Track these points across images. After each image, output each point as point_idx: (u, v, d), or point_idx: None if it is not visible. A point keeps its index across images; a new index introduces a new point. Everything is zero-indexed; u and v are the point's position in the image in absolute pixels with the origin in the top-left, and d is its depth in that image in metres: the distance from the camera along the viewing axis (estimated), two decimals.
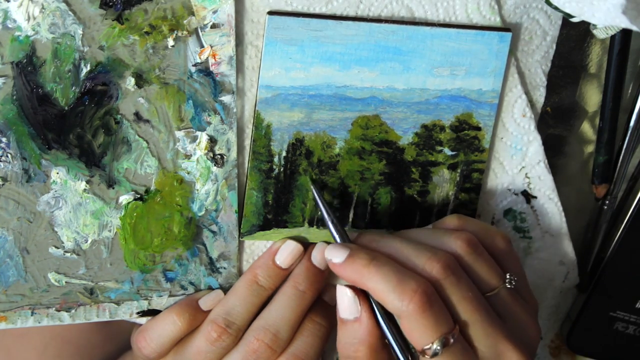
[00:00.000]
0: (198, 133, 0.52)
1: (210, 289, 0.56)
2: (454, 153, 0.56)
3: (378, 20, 0.52)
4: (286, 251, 0.54)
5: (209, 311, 0.54)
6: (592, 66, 0.59)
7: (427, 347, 0.45)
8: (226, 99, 0.52)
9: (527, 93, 0.57)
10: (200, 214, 0.54)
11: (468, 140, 0.56)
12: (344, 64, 0.52)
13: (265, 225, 0.55)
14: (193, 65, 0.51)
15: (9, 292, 0.52)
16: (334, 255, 0.48)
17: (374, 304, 0.49)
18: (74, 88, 0.49)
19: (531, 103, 0.57)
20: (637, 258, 0.60)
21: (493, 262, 0.50)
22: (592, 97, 0.60)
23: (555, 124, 0.60)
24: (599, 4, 0.49)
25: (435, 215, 0.58)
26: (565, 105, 0.59)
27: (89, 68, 0.49)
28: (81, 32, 0.48)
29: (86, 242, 0.52)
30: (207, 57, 0.51)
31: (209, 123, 0.52)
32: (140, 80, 0.50)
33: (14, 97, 0.48)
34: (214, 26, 0.50)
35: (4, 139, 0.49)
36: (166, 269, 0.55)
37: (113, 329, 0.57)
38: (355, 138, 0.55)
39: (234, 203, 0.54)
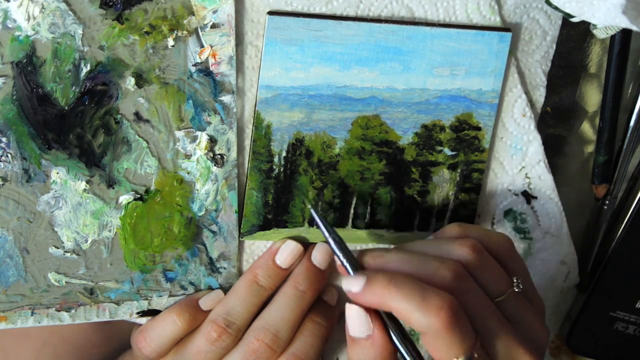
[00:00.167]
0: (198, 133, 0.52)
1: (210, 289, 0.56)
2: (454, 153, 0.56)
3: (378, 20, 0.52)
4: (286, 251, 0.54)
5: (209, 311, 0.54)
6: (592, 66, 0.59)
7: None
8: (226, 99, 0.52)
9: (527, 93, 0.57)
10: (200, 214, 0.54)
11: (468, 140, 0.56)
12: (344, 64, 0.52)
13: (265, 225, 0.55)
14: (193, 65, 0.51)
15: (9, 292, 0.52)
16: (352, 285, 0.47)
17: (386, 320, 0.47)
18: (74, 88, 0.49)
19: (531, 103, 0.57)
20: (637, 258, 0.60)
21: (499, 267, 0.49)
22: (592, 97, 0.60)
23: (555, 124, 0.60)
24: (599, 4, 0.49)
25: (435, 215, 0.58)
26: (565, 105, 0.60)
27: (89, 68, 0.49)
28: (81, 32, 0.48)
29: (86, 242, 0.52)
30: (207, 57, 0.51)
31: (209, 123, 0.52)
32: (140, 80, 0.50)
33: (14, 97, 0.48)
34: (214, 26, 0.50)
35: (4, 139, 0.49)
36: (166, 269, 0.55)
37: (112, 329, 0.57)
38: (355, 138, 0.55)
39: (234, 203, 0.54)
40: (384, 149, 0.55)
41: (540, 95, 0.58)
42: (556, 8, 0.53)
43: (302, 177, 0.55)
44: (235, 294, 0.54)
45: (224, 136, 0.53)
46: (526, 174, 0.58)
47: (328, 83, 0.53)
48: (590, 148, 0.61)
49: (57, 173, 0.50)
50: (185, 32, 0.50)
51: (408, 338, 0.47)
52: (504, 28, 0.54)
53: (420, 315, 0.44)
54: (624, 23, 0.49)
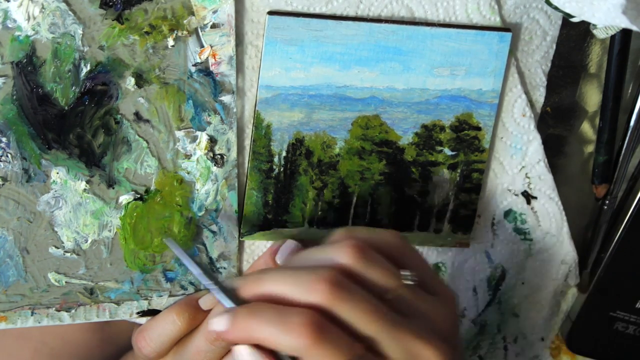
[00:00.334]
0: (198, 133, 0.52)
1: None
2: (454, 153, 0.56)
3: (378, 20, 0.52)
4: (286, 250, 0.54)
5: (209, 311, 0.54)
6: (592, 66, 0.59)
7: None
8: (226, 99, 0.52)
9: (527, 93, 0.57)
10: (200, 214, 0.54)
11: (468, 140, 0.56)
12: (344, 64, 0.52)
13: (265, 225, 0.55)
14: (193, 65, 0.51)
15: (9, 292, 0.52)
16: (217, 325, 0.46)
17: (278, 354, 0.45)
18: (74, 88, 0.49)
19: (531, 103, 0.57)
20: (637, 258, 0.60)
21: (387, 264, 0.47)
22: (592, 97, 0.60)
23: (555, 124, 0.60)
24: (599, 4, 0.49)
25: (435, 215, 0.58)
26: (565, 105, 0.60)
27: (89, 68, 0.49)
28: (81, 32, 0.48)
29: (86, 242, 0.52)
30: (207, 57, 0.51)
31: (209, 123, 0.52)
32: (140, 80, 0.50)
33: (14, 97, 0.48)
34: (214, 26, 0.50)
35: (4, 139, 0.49)
36: (166, 269, 0.55)
37: (112, 330, 0.57)
38: (355, 138, 0.55)
39: (234, 203, 0.54)
40: (384, 149, 0.55)
41: (540, 95, 0.58)
42: (556, 8, 0.53)
43: (302, 177, 0.55)
44: None
45: (224, 136, 0.53)
46: (526, 173, 0.58)
47: (328, 83, 0.53)
48: (590, 148, 0.61)
49: (57, 173, 0.50)
50: (185, 32, 0.50)
51: None
52: (504, 28, 0.54)
53: (285, 339, 0.43)
54: (624, 23, 0.49)
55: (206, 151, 0.53)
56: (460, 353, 0.49)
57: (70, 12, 0.48)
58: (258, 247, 0.56)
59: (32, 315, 0.53)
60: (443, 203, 0.57)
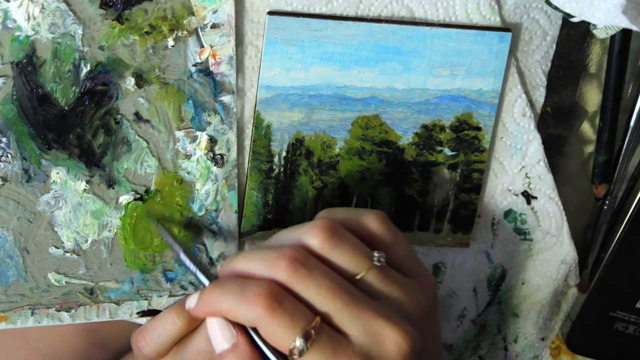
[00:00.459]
0: (198, 133, 0.52)
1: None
2: (454, 153, 0.56)
3: (378, 20, 0.52)
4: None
5: None
6: (592, 66, 0.59)
7: (292, 346, 0.43)
8: (226, 99, 0.52)
9: (527, 93, 0.57)
10: (200, 214, 0.54)
11: (468, 141, 0.56)
12: (344, 64, 0.52)
13: (265, 225, 0.55)
14: (193, 65, 0.51)
15: (9, 292, 0.52)
16: (189, 303, 0.48)
17: (248, 329, 0.46)
18: (74, 88, 0.49)
19: (531, 103, 0.57)
20: (637, 258, 0.60)
21: (358, 244, 0.47)
22: (592, 97, 0.60)
23: (555, 124, 0.60)
24: (599, 4, 0.49)
25: (435, 215, 0.58)
26: (565, 105, 0.60)
27: (89, 68, 0.49)
28: (81, 32, 0.48)
29: (86, 242, 0.52)
30: (207, 57, 0.51)
31: (209, 123, 0.52)
32: (140, 80, 0.50)
33: (14, 97, 0.48)
34: (214, 26, 0.50)
35: (4, 139, 0.49)
36: (166, 269, 0.55)
37: (103, 332, 0.57)
38: (355, 138, 0.55)
39: (234, 203, 0.54)
40: (384, 149, 0.55)
41: (540, 95, 0.58)
42: (556, 8, 0.53)
43: (302, 177, 0.55)
44: None
45: (224, 136, 0.53)
46: (526, 173, 0.58)
47: (328, 83, 0.53)
48: (590, 148, 0.61)
49: (57, 173, 0.50)
50: (185, 32, 0.50)
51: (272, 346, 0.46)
52: (504, 28, 0.54)
53: (243, 308, 0.44)
54: (624, 23, 0.49)
55: (206, 151, 0.53)
56: (433, 339, 0.48)
57: (70, 12, 0.48)
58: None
59: (32, 315, 0.53)
60: (443, 203, 0.57)
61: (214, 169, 0.53)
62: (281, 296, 0.44)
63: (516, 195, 0.59)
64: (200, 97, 0.52)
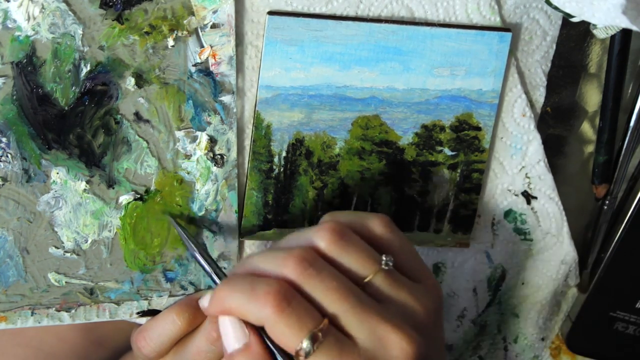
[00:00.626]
0: (198, 133, 0.52)
1: (210, 289, 0.56)
2: (454, 153, 0.56)
3: (378, 20, 0.52)
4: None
5: None
6: (592, 66, 0.59)
7: (298, 347, 0.43)
8: (226, 99, 0.52)
9: (527, 93, 0.57)
10: (200, 214, 0.54)
11: (468, 141, 0.56)
12: (344, 64, 0.52)
13: (265, 225, 0.55)
14: (193, 65, 0.51)
15: (9, 292, 0.52)
16: (203, 302, 0.49)
17: (259, 330, 0.46)
18: (74, 88, 0.49)
19: (531, 103, 0.57)
20: (637, 258, 0.60)
21: (366, 248, 0.47)
22: (592, 97, 0.60)
23: (555, 124, 0.60)
24: (599, 4, 0.49)
25: (435, 215, 0.58)
26: (565, 105, 0.60)
27: (89, 68, 0.49)
28: (81, 32, 0.48)
29: (86, 242, 0.52)
30: (207, 57, 0.51)
31: (209, 123, 0.52)
32: (140, 80, 0.50)
33: (14, 97, 0.48)
34: (214, 26, 0.50)
35: (4, 139, 0.49)
36: (166, 269, 0.55)
37: (100, 332, 0.57)
38: (355, 138, 0.55)
39: (234, 203, 0.54)
40: (384, 149, 0.55)
41: (540, 95, 0.58)
42: (556, 8, 0.53)
43: (302, 177, 0.55)
44: None
45: (224, 136, 0.53)
46: (526, 173, 0.58)
47: (328, 83, 0.53)
48: (590, 148, 0.61)
49: (57, 173, 0.50)
50: (185, 32, 0.50)
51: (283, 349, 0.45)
52: (504, 28, 0.54)
53: (251, 307, 0.44)
54: (624, 23, 0.49)
55: (206, 151, 0.53)
56: (438, 344, 0.48)
57: (70, 12, 0.48)
58: (258, 247, 0.56)
59: (32, 315, 0.53)
60: (443, 203, 0.57)
61: (214, 169, 0.53)
62: (290, 296, 0.44)
63: (516, 195, 0.59)
64: (200, 97, 0.52)
